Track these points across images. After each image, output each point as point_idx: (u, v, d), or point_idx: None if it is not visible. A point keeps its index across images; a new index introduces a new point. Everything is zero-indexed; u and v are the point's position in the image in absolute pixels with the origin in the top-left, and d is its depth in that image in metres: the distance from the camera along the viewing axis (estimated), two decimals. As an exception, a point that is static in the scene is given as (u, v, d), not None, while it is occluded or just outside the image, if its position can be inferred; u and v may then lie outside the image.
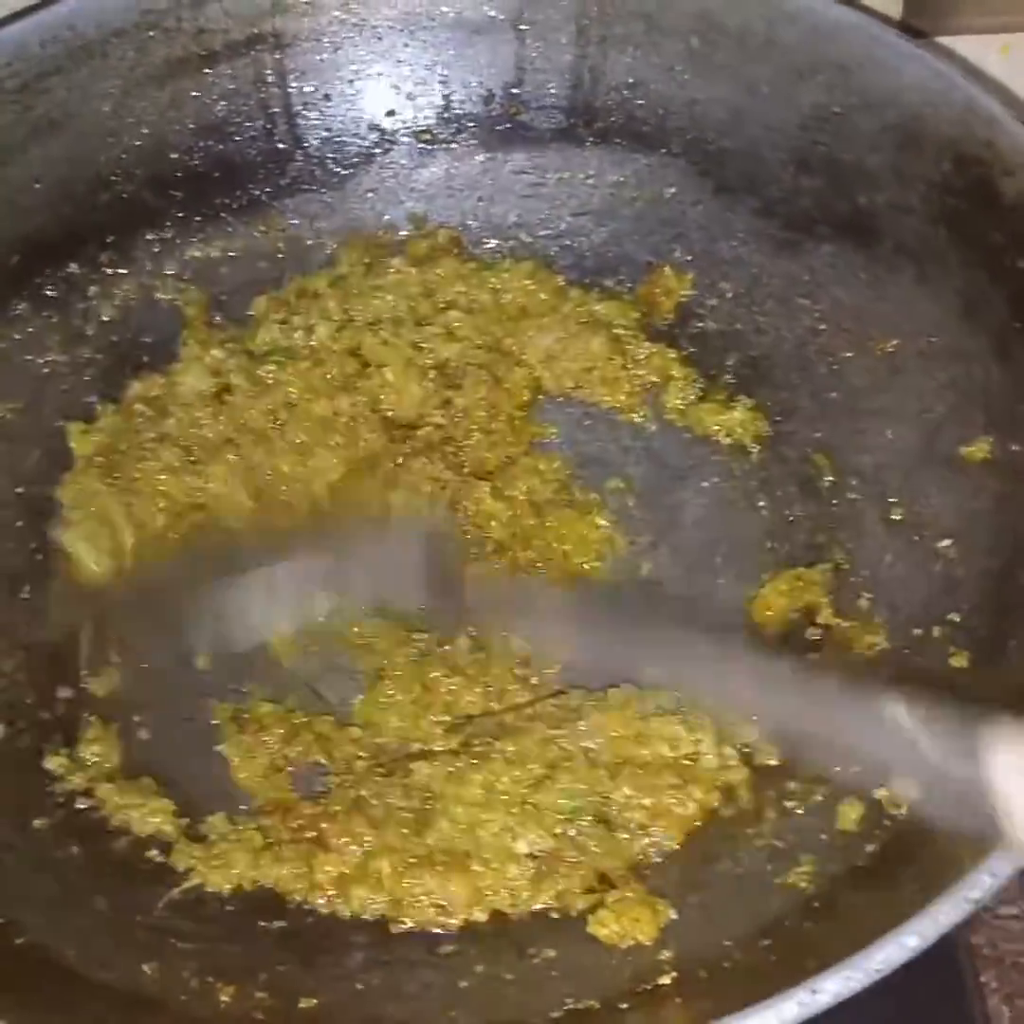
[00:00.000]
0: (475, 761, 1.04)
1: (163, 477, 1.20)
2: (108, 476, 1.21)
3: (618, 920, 0.95)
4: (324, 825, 1.02)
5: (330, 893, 1.00)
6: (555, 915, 0.98)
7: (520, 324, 1.29)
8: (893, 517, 1.14)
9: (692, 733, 1.05)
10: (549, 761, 1.04)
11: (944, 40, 1.45)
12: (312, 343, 1.27)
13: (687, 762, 1.05)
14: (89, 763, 1.08)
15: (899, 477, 1.15)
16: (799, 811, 1.00)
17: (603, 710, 1.07)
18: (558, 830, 1.01)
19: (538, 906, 0.99)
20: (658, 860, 1.01)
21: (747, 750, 1.05)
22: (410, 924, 0.98)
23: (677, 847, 1.02)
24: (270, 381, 1.25)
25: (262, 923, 0.99)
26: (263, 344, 1.28)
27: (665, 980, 0.88)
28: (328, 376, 1.25)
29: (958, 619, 1.05)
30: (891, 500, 1.15)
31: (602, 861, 1.00)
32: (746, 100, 1.28)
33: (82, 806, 1.05)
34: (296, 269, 1.35)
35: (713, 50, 1.28)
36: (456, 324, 1.29)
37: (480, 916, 0.98)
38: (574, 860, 1.00)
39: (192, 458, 1.22)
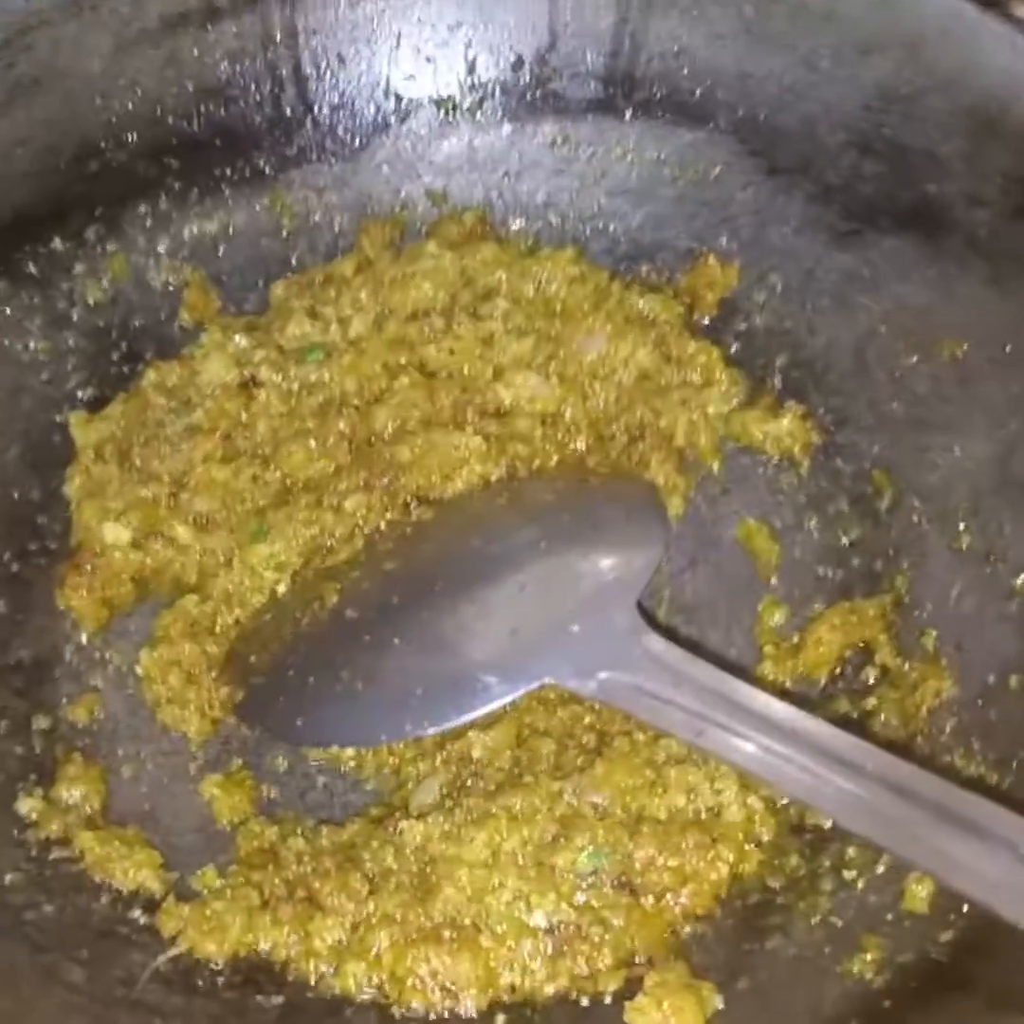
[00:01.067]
0: (474, 817, 0.94)
1: (201, 468, 1.11)
2: (122, 465, 1.12)
3: (659, 1008, 0.85)
4: (316, 884, 0.93)
5: (324, 969, 0.91)
6: (585, 1001, 0.88)
7: (567, 324, 1.19)
8: (961, 545, 1.04)
9: (712, 782, 0.96)
10: (559, 818, 0.94)
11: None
12: (350, 336, 1.18)
13: (709, 816, 0.95)
14: (67, 806, 0.98)
15: (968, 500, 1.05)
16: (859, 884, 0.91)
17: (609, 759, 0.96)
18: (577, 898, 0.91)
19: (555, 988, 0.89)
20: (695, 931, 0.91)
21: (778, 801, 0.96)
22: (415, 1007, 0.89)
23: (714, 915, 0.92)
24: (313, 379, 1.16)
25: (259, 998, 0.89)
26: (293, 339, 1.18)
27: (715, 1091, 0.79)
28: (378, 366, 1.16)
29: (1039, 667, 0.95)
30: (959, 525, 1.04)
31: (629, 937, 0.90)
32: (804, 75, 1.17)
33: (58, 857, 0.95)
34: (303, 248, 1.26)
35: (768, 18, 1.17)
36: (509, 316, 1.19)
37: (495, 999, 0.89)
38: (598, 938, 0.90)
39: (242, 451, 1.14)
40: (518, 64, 1.26)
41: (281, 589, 1.08)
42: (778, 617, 1.09)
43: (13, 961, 0.87)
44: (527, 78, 1.26)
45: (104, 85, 1.17)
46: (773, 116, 1.19)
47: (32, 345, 1.15)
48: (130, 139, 1.19)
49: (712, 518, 1.15)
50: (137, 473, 1.12)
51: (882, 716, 1.00)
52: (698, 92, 1.22)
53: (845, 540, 1.11)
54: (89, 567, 1.08)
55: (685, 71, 1.22)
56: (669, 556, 1.12)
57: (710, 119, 1.22)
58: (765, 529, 1.13)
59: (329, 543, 1.09)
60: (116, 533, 1.09)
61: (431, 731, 0.97)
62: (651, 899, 0.92)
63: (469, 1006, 0.88)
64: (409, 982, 0.89)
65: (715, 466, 1.16)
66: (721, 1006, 0.85)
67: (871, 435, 1.13)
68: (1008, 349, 1.06)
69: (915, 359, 1.12)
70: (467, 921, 0.91)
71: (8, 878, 0.93)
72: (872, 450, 1.12)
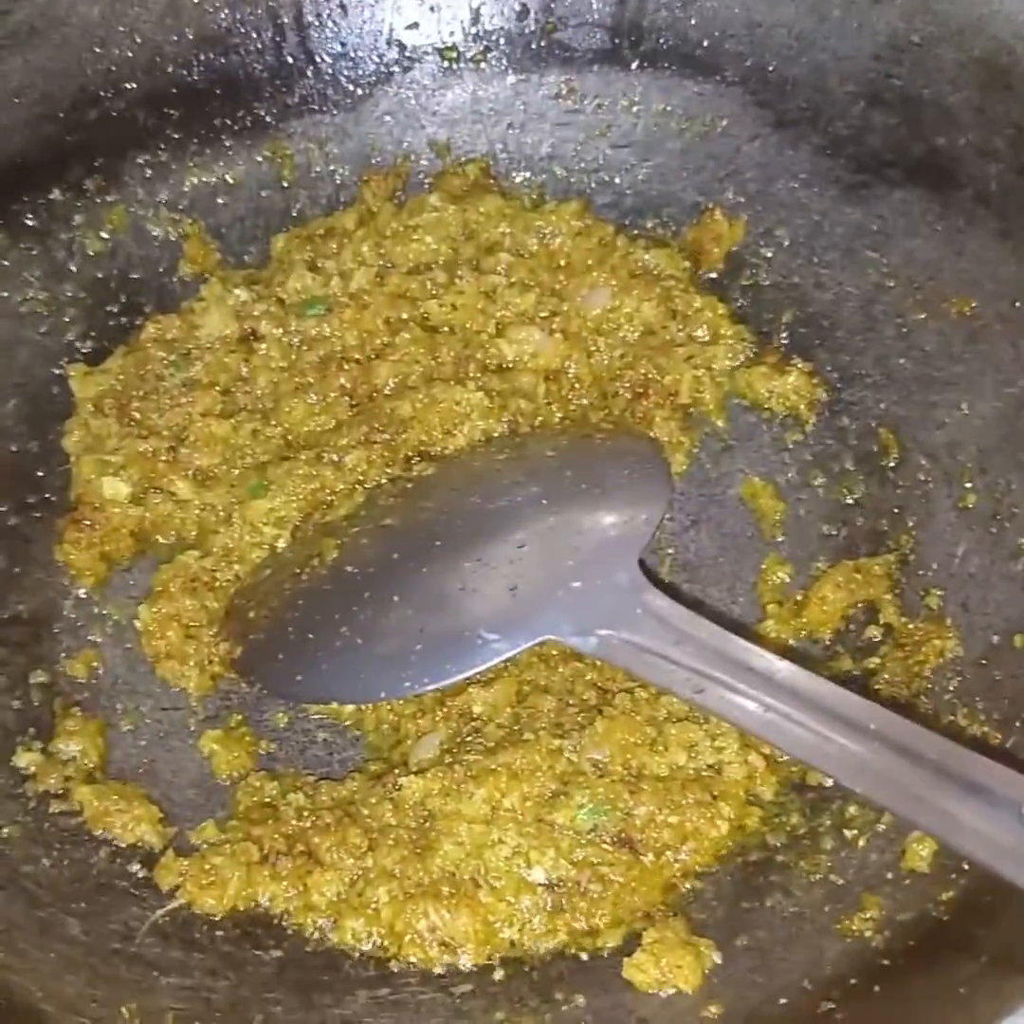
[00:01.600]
0: (474, 773, 0.93)
1: (201, 422, 1.10)
2: (122, 419, 1.11)
3: (657, 964, 0.84)
4: (316, 839, 0.92)
5: (323, 923, 0.90)
6: (584, 956, 0.88)
7: (571, 279, 1.17)
8: (968, 504, 1.03)
9: (713, 740, 0.95)
10: (559, 775, 0.93)
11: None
12: (352, 289, 1.16)
13: (710, 773, 0.94)
14: (65, 760, 0.98)
15: (975, 458, 1.04)
16: (860, 843, 0.90)
17: (610, 716, 0.96)
18: (576, 854, 0.91)
19: (554, 944, 0.89)
20: (694, 888, 0.91)
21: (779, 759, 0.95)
22: (414, 961, 0.88)
23: (713, 872, 0.92)
24: (314, 334, 1.14)
25: (256, 952, 0.89)
26: (295, 293, 1.17)
27: (713, 1044, 0.78)
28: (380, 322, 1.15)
29: (1044, 627, 0.94)
30: (966, 484, 1.03)
31: (628, 893, 0.90)
32: (813, 24, 1.15)
33: (56, 811, 0.95)
34: (304, 200, 1.24)
35: (778, -35, 1.16)
36: (512, 271, 1.18)
37: (494, 954, 0.89)
38: (597, 894, 0.89)
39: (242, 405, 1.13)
40: (523, 13, 1.24)
41: (281, 545, 1.07)
42: (782, 575, 1.07)
43: (10, 915, 0.87)
44: (532, 27, 1.24)
45: (103, 32, 1.15)
46: (782, 67, 1.17)
47: (31, 296, 1.14)
48: (129, 88, 1.17)
49: (716, 476, 1.13)
50: (136, 427, 1.11)
51: (885, 675, 0.99)
52: (706, 42, 1.20)
53: (850, 498, 1.09)
54: (88, 522, 1.07)
55: (693, 21, 1.20)
56: (672, 514, 1.11)
57: (718, 70, 1.20)
58: (770, 487, 1.11)
59: (329, 499, 1.08)
60: (115, 488, 1.08)
61: (431, 687, 0.96)
62: (651, 856, 0.92)
63: (467, 961, 0.88)
64: (408, 937, 0.89)
65: (720, 423, 1.15)
66: (719, 961, 0.85)
67: (878, 392, 1.11)
68: (1017, 305, 1.04)
69: (923, 315, 1.10)
70: (466, 876, 0.90)
71: (5, 831, 0.92)
72: (879, 407, 1.11)
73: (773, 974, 0.83)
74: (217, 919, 0.90)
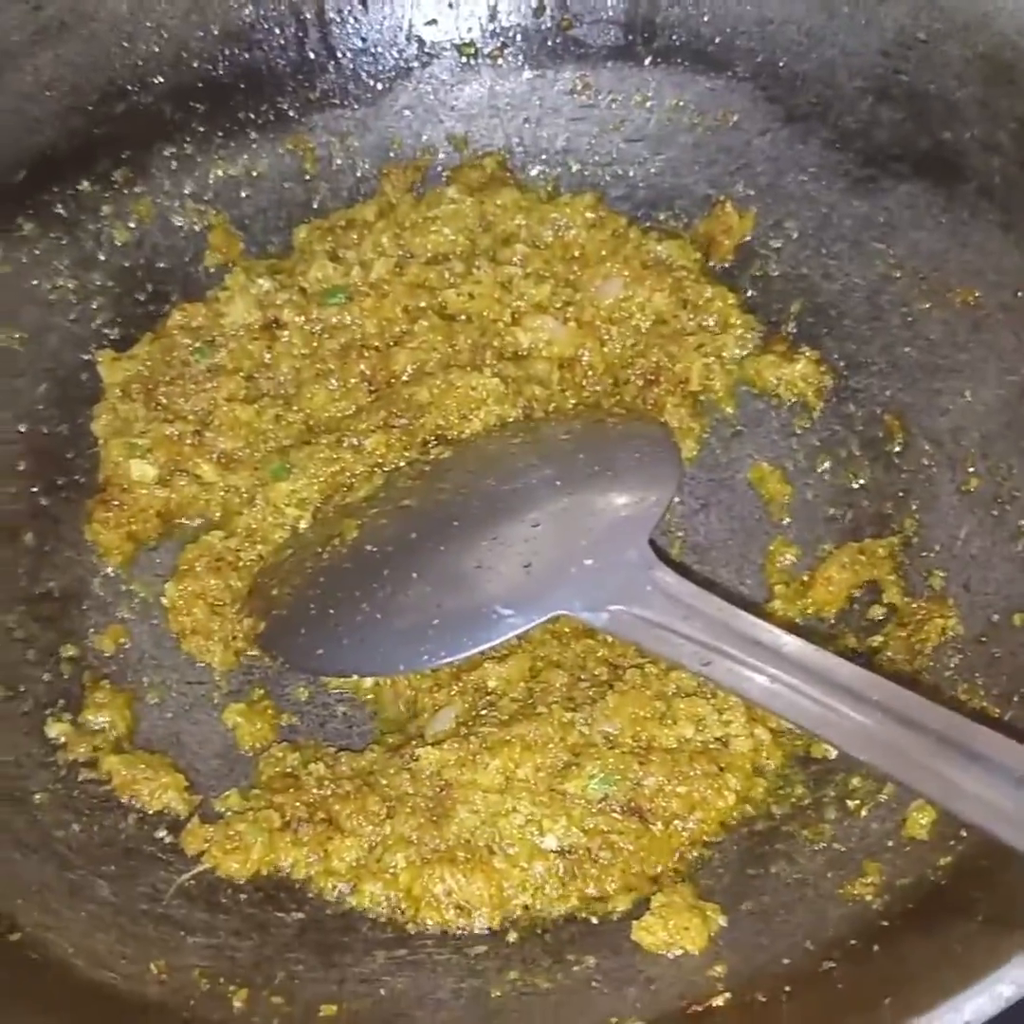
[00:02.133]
0: (488, 744, 0.96)
1: (225, 407, 1.13)
2: (148, 404, 1.14)
3: (665, 927, 0.87)
4: (336, 807, 0.95)
5: (342, 887, 0.94)
6: (595, 919, 0.91)
7: (585, 269, 1.20)
8: (970, 488, 1.05)
9: (720, 713, 0.98)
10: (571, 746, 0.97)
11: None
12: (371, 279, 1.19)
13: (717, 746, 0.97)
14: (95, 730, 1.01)
15: (978, 443, 1.06)
16: (863, 813, 0.93)
17: (620, 690, 0.99)
18: (588, 823, 0.94)
19: (566, 908, 0.92)
20: (701, 856, 0.94)
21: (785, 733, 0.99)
22: (430, 924, 0.92)
23: (720, 840, 0.95)
24: (334, 322, 1.18)
25: (278, 914, 0.92)
26: (316, 282, 1.20)
27: (718, 1001, 0.81)
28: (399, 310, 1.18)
29: (1042, 606, 0.97)
30: (969, 469, 1.06)
31: (638, 861, 0.93)
32: (823, 21, 1.18)
33: (86, 778, 0.98)
34: (326, 192, 1.27)
35: (788, -37, 1.18)
36: (527, 261, 1.21)
37: (507, 917, 0.92)
38: (607, 861, 0.93)
39: (265, 391, 1.16)
40: (539, 10, 1.27)
41: (303, 525, 1.10)
42: (789, 557, 1.10)
43: (43, 877, 0.90)
44: (548, 24, 1.27)
45: (130, 28, 1.18)
46: (792, 63, 1.20)
47: (60, 284, 1.17)
48: (156, 82, 1.20)
49: (725, 461, 1.16)
50: (163, 411, 1.14)
51: (888, 652, 1.01)
52: (718, 39, 1.22)
53: (856, 483, 1.12)
54: (116, 502, 1.10)
55: (705, 18, 1.22)
56: (683, 498, 1.13)
57: (729, 66, 1.23)
58: (777, 472, 1.14)
59: (349, 481, 1.11)
60: (142, 470, 1.11)
61: (447, 660, 0.99)
62: (659, 825, 0.95)
63: (482, 924, 0.91)
64: (424, 900, 0.92)
65: (729, 410, 1.18)
66: (725, 924, 0.88)
67: (883, 380, 1.14)
68: (1020, 295, 1.06)
69: (928, 305, 1.12)
70: (481, 843, 0.94)
71: (38, 798, 0.96)
72: (884, 394, 1.13)
73: (777, 936, 0.86)
74: (241, 883, 0.94)
